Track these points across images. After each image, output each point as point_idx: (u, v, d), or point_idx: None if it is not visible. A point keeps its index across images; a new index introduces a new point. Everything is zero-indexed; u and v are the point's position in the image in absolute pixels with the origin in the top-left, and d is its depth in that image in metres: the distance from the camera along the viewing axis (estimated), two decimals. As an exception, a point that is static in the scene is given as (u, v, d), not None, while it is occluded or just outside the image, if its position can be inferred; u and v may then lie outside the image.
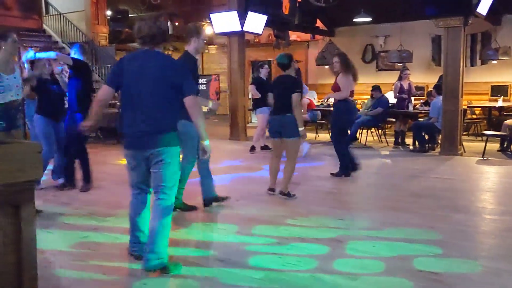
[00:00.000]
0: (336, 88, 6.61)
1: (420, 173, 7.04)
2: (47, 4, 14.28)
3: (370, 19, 11.67)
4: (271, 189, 5.60)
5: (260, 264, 3.53)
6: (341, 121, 6.70)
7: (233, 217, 4.79)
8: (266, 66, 9.28)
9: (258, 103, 8.80)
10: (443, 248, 3.84)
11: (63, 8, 13.78)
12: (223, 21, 10.54)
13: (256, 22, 10.63)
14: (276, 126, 5.45)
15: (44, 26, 13.79)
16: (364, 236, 4.16)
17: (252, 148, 9.09)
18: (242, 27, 10.33)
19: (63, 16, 13.61)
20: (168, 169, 3.24)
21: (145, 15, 16.03)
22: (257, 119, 9.06)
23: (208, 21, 11.08)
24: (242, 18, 10.25)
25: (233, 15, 10.27)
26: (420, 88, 11.86)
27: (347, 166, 6.64)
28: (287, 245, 3.91)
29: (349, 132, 7.24)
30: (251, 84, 9.23)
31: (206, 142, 3.46)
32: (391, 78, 11.86)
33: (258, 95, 8.70)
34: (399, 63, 12.32)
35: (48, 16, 14.28)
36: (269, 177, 5.68)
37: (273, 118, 5.56)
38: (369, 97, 10.62)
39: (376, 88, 10.01)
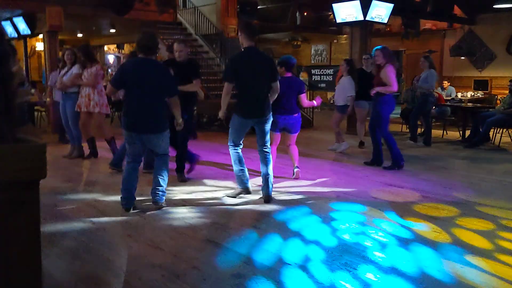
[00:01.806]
0: (379, 82, 6.62)
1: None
2: (185, -3, 15.22)
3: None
4: None
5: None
6: (383, 113, 6.73)
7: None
8: (368, 57, 8.58)
9: (356, 96, 8.31)
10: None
11: (198, 2, 14.52)
12: (346, 11, 10.16)
13: (381, 11, 10.07)
14: None
15: (181, 19, 14.70)
16: None
17: (361, 144, 8.68)
18: (365, 17, 9.85)
19: (197, 9, 14.34)
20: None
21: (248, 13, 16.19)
22: (356, 113, 8.61)
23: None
24: (366, 7, 9.77)
25: (356, 4, 9.85)
26: None
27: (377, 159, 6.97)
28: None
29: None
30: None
31: None
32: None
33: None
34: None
35: (185, 9, 15.17)
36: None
37: None
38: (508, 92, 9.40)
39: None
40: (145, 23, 12.63)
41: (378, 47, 6.74)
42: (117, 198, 4.86)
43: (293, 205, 4.98)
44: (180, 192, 5.53)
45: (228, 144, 5.18)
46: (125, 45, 20.49)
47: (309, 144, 9.12)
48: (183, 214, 4.65)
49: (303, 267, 3.41)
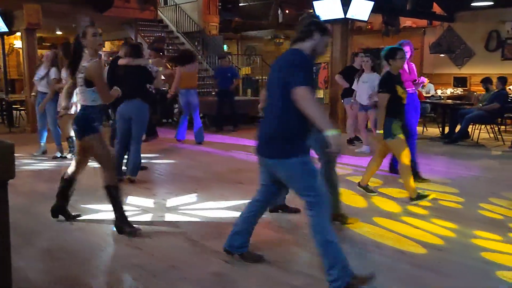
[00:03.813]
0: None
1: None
2: (166, -5, 15.11)
3: (491, 3, 10.44)
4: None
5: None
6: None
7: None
8: (362, 55, 8.69)
9: (345, 93, 8.48)
10: None
11: (179, -1, 14.47)
12: (326, 8, 10.19)
13: (361, 8, 10.12)
14: None
15: (162, 16, 14.61)
16: None
17: (350, 141, 8.73)
18: (345, 14, 9.89)
19: (179, 7, 14.26)
20: None
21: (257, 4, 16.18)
22: (348, 110, 8.67)
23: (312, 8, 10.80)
24: (346, 4, 9.80)
25: (336, 1, 9.87)
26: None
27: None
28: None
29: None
30: (338, 73, 8.83)
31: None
32: (518, 68, 10.59)
33: (346, 85, 8.41)
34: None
35: (166, 7, 15.08)
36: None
37: None
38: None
39: (500, 80, 8.96)
40: (125, 20, 12.52)
41: (406, 41, 5.96)
42: (95, 198, 4.82)
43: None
44: (159, 192, 5.50)
45: None
46: (106, 43, 20.26)
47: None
48: (162, 213, 4.63)
49: (284, 265, 3.42)
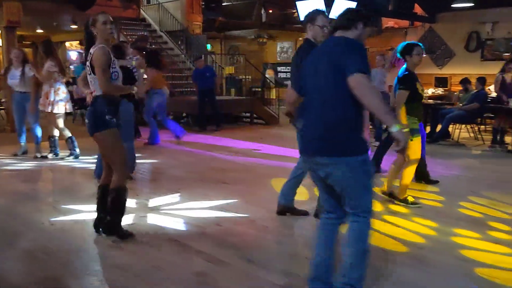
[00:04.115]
0: None
1: (506, 180, 6.25)
2: (149, -6, 15.01)
3: (471, 4, 10.61)
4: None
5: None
6: None
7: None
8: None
9: None
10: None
11: (162, -2, 14.39)
12: (310, 8, 10.21)
13: (344, 9, 10.18)
14: None
15: (145, 15, 14.51)
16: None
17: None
18: (328, 15, 9.93)
19: (162, 6, 14.18)
20: None
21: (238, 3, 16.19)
22: None
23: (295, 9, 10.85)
24: (329, 5, 9.87)
25: (320, 2, 9.92)
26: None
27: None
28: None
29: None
30: None
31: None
32: (498, 69, 10.74)
33: None
34: (506, 53, 11.10)
35: (149, 5, 14.98)
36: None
37: None
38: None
39: (479, 80, 9.12)
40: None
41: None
42: (77, 198, 4.77)
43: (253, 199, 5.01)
44: (142, 192, 5.48)
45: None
46: (88, 41, 20.04)
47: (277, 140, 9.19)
48: (144, 214, 4.60)
49: (267, 265, 3.43)
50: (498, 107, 8.91)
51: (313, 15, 4.16)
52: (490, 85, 10.28)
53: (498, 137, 8.78)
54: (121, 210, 3.83)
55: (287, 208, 4.48)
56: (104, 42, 3.65)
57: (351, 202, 2.64)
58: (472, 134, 9.58)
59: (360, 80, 2.46)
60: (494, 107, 9.00)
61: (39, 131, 7.15)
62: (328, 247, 2.80)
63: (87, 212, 4.55)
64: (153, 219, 4.44)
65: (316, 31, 4.06)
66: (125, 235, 3.84)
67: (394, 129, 2.46)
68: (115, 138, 3.68)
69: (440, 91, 12.84)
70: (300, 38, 17.44)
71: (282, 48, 18.36)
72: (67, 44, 20.55)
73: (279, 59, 18.38)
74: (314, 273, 2.79)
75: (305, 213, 4.48)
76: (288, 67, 17.83)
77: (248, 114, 12.72)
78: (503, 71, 9.22)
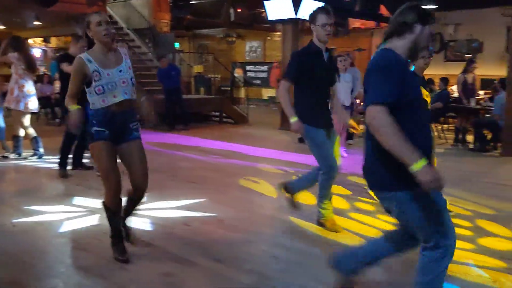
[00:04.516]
0: None
1: (471, 176, 6.46)
2: (115, -9, 14.75)
3: (435, 6, 10.86)
4: None
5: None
6: None
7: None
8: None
9: None
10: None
11: (129, -5, 14.18)
12: (277, 8, 10.31)
13: (312, 9, 10.28)
14: None
15: (111, 12, 14.25)
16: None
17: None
18: (296, 14, 10.04)
19: (128, 3, 13.98)
20: None
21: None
22: None
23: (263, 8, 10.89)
24: (297, 5, 9.96)
25: (287, 1, 10.01)
26: (490, 81, 10.95)
27: None
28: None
29: None
30: None
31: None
32: (460, 69, 11.06)
33: None
34: (467, 54, 11.44)
35: (115, 2, 14.73)
36: None
37: None
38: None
39: (442, 80, 9.35)
40: (72, 16, 12.14)
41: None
42: (40, 199, 4.66)
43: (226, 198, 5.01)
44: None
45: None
46: (52, 39, 19.60)
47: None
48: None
49: (235, 264, 3.43)
50: (460, 107, 9.19)
51: (313, 14, 3.91)
52: (452, 85, 10.57)
53: (460, 136, 9.04)
54: (111, 228, 3.49)
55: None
56: (102, 46, 3.30)
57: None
58: (436, 133, 9.83)
59: (372, 114, 2.18)
60: (456, 106, 9.27)
61: (3, 129, 6.95)
62: None
63: (51, 213, 4.46)
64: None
65: (318, 31, 3.86)
66: (120, 256, 3.45)
67: (414, 169, 2.10)
68: (96, 153, 3.32)
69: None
70: (269, 38, 17.54)
71: (251, 48, 18.40)
72: (31, 41, 20.03)
73: (248, 58, 18.40)
74: None
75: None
76: (257, 67, 17.94)
77: (217, 113, 12.70)
78: (465, 71, 9.50)
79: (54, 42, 19.61)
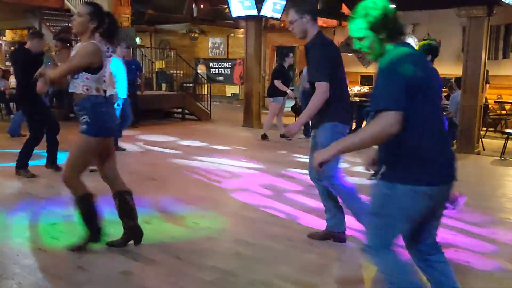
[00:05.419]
0: None
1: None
2: (73, -17, 14.35)
3: (394, 6, 11.11)
4: None
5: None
6: None
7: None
8: (291, 55, 9.33)
9: (274, 92, 8.89)
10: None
11: (88, -12, 13.82)
12: (241, 5, 10.29)
13: (275, 7, 10.33)
14: None
15: (69, 5, 13.87)
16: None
17: (264, 137, 8.89)
18: (259, 12, 10.06)
19: (88, -4, 13.64)
20: None
21: None
22: (271, 108, 9.10)
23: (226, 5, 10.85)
24: (260, 2, 9.97)
25: (251, -1, 10.00)
26: (447, 80, 11.28)
27: None
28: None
29: None
30: (275, 78, 8.91)
31: None
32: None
33: (287, 90, 8.86)
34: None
35: (73, -5, 14.35)
36: None
37: None
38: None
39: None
40: (28, 8, 11.76)
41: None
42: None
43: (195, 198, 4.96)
44: (64, 190, 5.24)
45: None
46: (7, 32, 18.90)
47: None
48: (68, 213, 4.41)
49: (196, 261, 3.41)
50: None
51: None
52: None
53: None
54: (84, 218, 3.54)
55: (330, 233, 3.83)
56: (83, 37, 3.33)
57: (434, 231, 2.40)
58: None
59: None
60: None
61: None
62: None
63: (5, 212, 4.30)
64: (76, 218, 4.26)
65: None
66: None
67: None
68: (95, 146, 3.47)
69: (365, 89, 13.36)
70: (232, 34, 17.48)
71: (214, 44, 18.28)
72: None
73: (211, 55, 18.29)
74: None
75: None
76: (220, 63, 17.85)
77: (179, 110, 12.56)
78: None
79: (8, 35, 18.92)
